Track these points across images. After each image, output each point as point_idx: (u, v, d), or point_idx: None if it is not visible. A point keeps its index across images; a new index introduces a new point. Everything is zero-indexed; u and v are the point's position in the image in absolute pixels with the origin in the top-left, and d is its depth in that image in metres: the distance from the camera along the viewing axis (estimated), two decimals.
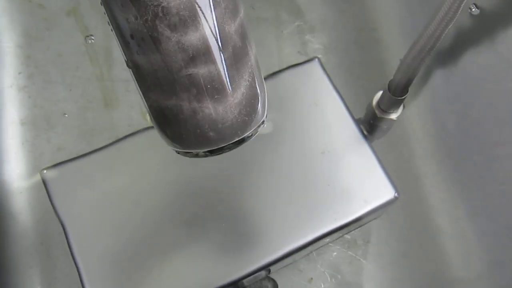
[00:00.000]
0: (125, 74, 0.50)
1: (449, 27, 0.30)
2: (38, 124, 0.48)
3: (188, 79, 0.24)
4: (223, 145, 0.26)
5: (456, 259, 0.44)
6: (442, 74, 0.44)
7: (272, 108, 0.41)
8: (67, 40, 0.51)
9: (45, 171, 0.39)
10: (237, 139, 0.26)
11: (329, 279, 0.45)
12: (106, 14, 0.24)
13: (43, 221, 0.46)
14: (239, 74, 0.25)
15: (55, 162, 0.39)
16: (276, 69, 0.42)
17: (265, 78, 0.42)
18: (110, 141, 0.40)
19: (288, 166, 0.39)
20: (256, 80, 0.26)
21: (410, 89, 0.37)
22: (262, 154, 0.39)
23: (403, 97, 0.36)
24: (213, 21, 0.23)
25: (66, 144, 0.48)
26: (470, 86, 0.41)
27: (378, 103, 0.38)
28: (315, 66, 0.42)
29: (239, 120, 0.25)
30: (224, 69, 0.24)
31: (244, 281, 0.38)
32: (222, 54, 0.24)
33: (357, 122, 0.40)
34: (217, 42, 0.24)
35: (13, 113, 0.49)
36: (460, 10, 0.29)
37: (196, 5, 0.23)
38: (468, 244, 0.43)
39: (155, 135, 0.38)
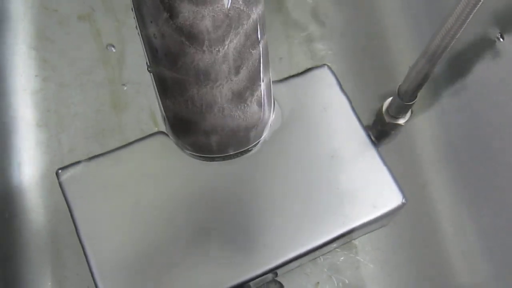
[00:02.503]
0: (135, 78, 0.51)
1: (458, 34, 0.31)
2: (50, 126, 0.49)
3: (202, 93, 0.25)
4: (230, 153, 0.27)
5: (462, 265, 0.44)
6: (451, 81, 0.44)
7: (282, 113, 0.41)
8: (82, 44, 0.52)
9: (60, 171, 0.40)
10: (243, 149, 0.27)
11: (336, 283, 0.45)
12: (135, 19, 0.25)
13: (54, 220, 0.46)
14: (251, 91, 0.26)
15: (67, 163, 0.40)
16: (286, 74, 0.43)
17: (275, 83, 0.42)
18: (121, 143, 0.41)
19: (296, 171, 0.39)
20: (266, 97, 0.27)
21: (419, 95, 0.38)
22: (271, 158, 0.40)
23: (411, 103, 0.36)
24: (234, 45, 0.24)
25: (77, 145, 0.48)
26: (479, 93, 0.41)
27: (388, 109, 0.39)
28: (324, 72, 0.43)
29: (247, 131, 0.26)
30: (238, 87, 0.25)
31: (251, 283, 0.38)
32: (237, 74, 0.25)
33: (366, 128, 0.41)
34: (235, 64, 0.25)
35: (27, 115, 0.50)
36: (469, 19, 0.30)
37: (220, 29, 0.24)
38: (474, 251, 0.43)
39: (166, 139, 0.38)
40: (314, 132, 0.41)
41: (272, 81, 0.43)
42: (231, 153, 0.28)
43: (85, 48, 0.52)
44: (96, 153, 0.40)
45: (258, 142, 0.28)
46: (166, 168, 0.39)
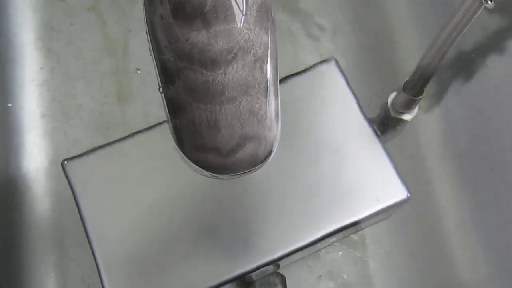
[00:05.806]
0: (142, 69, 0.51)
1: (466, 29, 0.31)
2: (56, 117, 0.49)
3: (212, 115, 0.25)
4: (238, 174, 0.28)
5: (464, 261, 0.44)
6: (457, 77, 0.44)
7: (288, 107, 0.41)
8: (87, 35, 0.52)
9: (66, 162, 0.40)
10: (250, 169, 0.28)
11: (337, 278, 0.45)
12: (149, 41, 0.26)
13: (57, 211, 0.46)
14: (261, 113, 0.26)
15: (72, 154, 0.40)
16: (291, 70, 0.43)
17: (282, 79, 0.42)
18: (126, 134, 0.41)
19: (301, 164, 0.40)
20: (275, 118, 0.27)
21: (425, 91, 0.38)
22: (277, 151, 0.40)
23: (418, 98, 0.37)
24: (246, 66, 0.25)
25: (82, 136, 0.49)
26: (485, 90, 0.41)
27: (393, 103, 0.39)
28: (332, 67, 0.43)
29: (254, 153, 0.27)
30: (247, 109, 0.26)
31: (253, 275, 0.38)
32: (247, 95, 0.25)
33: (371, 122, 0.41)
34: (246, 86, 0.25)
35: (32, 106, 0.50)
36: (478, 13, 0.30)
37: (232, 51, 0.24)
38: (477, 247, 0.43)
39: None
40: (319, 126, 0.41)
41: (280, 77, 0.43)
42: (237, 173, 0.29)
43: (90, 38, 0.52)
44: (101, 144, 0.40)
45: (265, 160, 0.29)
46: (172, 159, 0.39)
